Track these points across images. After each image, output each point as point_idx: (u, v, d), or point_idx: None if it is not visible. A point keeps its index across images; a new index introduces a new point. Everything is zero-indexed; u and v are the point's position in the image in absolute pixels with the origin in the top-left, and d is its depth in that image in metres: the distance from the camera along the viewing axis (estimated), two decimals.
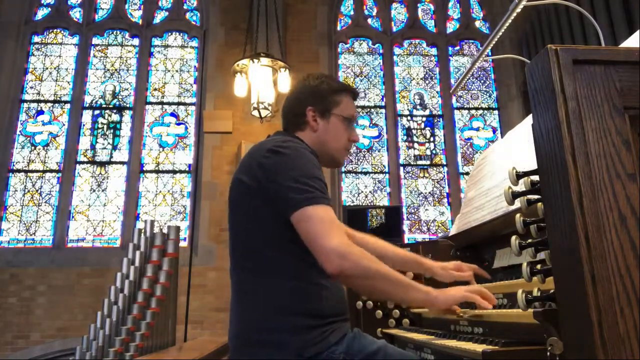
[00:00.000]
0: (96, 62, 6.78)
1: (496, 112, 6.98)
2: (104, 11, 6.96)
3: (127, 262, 3.81)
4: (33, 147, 6.33)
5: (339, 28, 7.13)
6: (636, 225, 0.76)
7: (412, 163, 6.70)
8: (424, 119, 6.90)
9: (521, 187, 1.00)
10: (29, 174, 6.24)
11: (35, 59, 6.69)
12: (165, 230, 4.02)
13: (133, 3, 7.04)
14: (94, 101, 6.61)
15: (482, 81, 7.12)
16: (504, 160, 1.79)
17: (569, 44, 4.96)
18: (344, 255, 1.26)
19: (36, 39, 6.77)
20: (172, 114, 6.64)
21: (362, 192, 6.52)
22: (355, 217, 4.75)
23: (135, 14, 6.99)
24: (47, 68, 6.67)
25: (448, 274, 1.73)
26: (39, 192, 6.17)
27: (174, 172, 6.41)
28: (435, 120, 6.91)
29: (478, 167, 2.10)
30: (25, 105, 6.50)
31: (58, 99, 6.56)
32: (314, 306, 1.35)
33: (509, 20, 3.16)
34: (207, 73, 6.49)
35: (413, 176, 6.65)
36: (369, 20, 7.24)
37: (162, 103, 6.68)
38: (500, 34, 3.34)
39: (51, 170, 6.26)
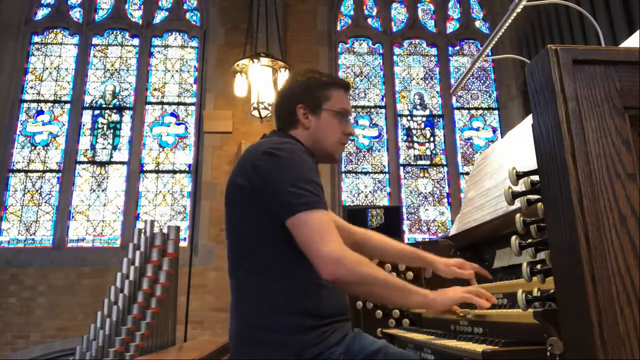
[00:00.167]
0: (96, 62, 6.78)
1: (496, 112, 6.98)
2: (104, 11, 6.96)
3: (127, 262, 3.81)
4: (33, 147, 6.34)
5: (339, 28, 7.13)
6: (636, 225, 0.76)
7: (412, 163, 6.70)
8: (424, 119, 6.90)
9: (521, 187, 1.00)
10: (29, 174, 6.24)
11: (35, 59, 6.69)
12: (165, 230, 4.01)
13: (133, 3, 7.04)
14: (94, 101, 6.62)
15: (482, 81, 7.12)
16: (504, 160, 1.79)
17: (569, 44, 4.96)
18: (339, 262, 1.24)
19: (36, 39, 6.78)
20: (172, 114, 6.64)
21: (362, 192, 6.52)
22: (355, 217, 4.74)
23: (135, 14, 7.00)
24: (47, 68, 6.67)
25: (450, 270, 1.72)
26: (39, 192, 6.17)
27: (174, 172, 6.41)
28: (435, 120, 6.91)
29: (478, 167, 2.10)
30: (25, 105, 6.50)
31: (58, 99, 6.57)
32: (312, 306, 1.34)
33: (509, 20, 3.16)
34: (207, 73, 6.50)
35: (413, 176, 6.65)
36: (369, 20, 7.24)
37: (162, 103, 6.68)
38: (500, 34, 3.34)
39: (51, 170, 6.27)
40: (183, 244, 5.37)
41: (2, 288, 5.58)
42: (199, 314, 5.46)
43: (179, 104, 6.69)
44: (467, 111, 6.99)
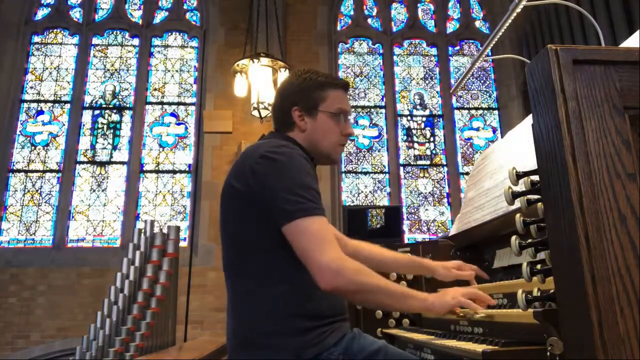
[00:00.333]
0: (96, 62, 6.78)
1: (496, 112, 6.98)
2: (104, 11, 6.96)
3: (127, 262, 3.81)
4: (33, 147, 6.34)
5: (339, 28, 7.13)
6: (636, 225, 0.76)
7: (412, 163, 6.70)
8: (424, 119, 6.90)
9: (521, 187, 1.00)
10: (29, 174, 6.24)
11: (35, 59, 6.69)
12: (165, 230, 4.02)
13: (133, 3, 7.04)
14: (94, 101, 6.62)
15: (482, 81, 7.12)
16: (504, 160, 1.79)
17: (569, 44, 4.96)
18: (337, 272, 1.23)
19: (36, 39, 6.77)
20: (172, 114, 6.64)
21: (362, 192, 6.52)
22: (355, 217, 4.74)
23: (135, 14, 7.00)
24: (47, 68, 6.67)
25: (450, 273, 1.73)
26: (39, 192, 6.17)
27: (174, 172, 6.41)
28: (435, 120, 6.91)
29: (478, 167, 2.10)
30: (25, 105, 6.50)
31: (58, 99, 6.57)
32: (311, 308, 1.34)
33: (509, 20, 3.16)
34: (207, 73, 6.50)
35: (413, 176, 6.65)
36: (369, 20, 7.24)
37: (162, 103, 6.68)
38: (500, 34, 3.34)
39: (51, 170, 6.27)
40: (183, 244, 5.37)
41: (2, 288, 5.58)
42: (199, 314, 5.46)
43: (179, 104, 6.69)
44: (467, 111, 6.99)
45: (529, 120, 1.46)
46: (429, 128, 6.88)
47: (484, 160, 2.05)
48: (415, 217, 6.48)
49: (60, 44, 6.80)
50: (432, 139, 6.84)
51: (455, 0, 7.39)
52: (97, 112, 6.57)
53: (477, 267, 1.78)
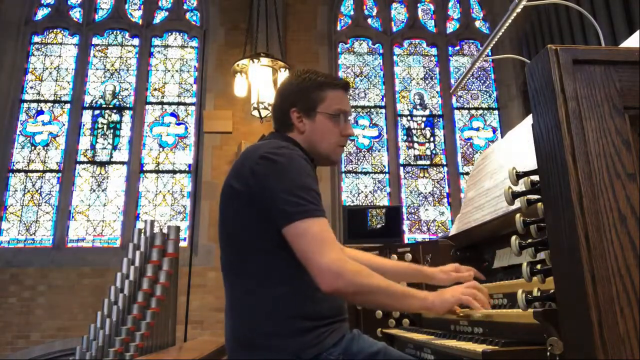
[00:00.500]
0: (96, 62, 6.78)
1: (496, 112, 6.98)
2: (104, 11, 6.96)
3: (127, 262, 3.80)
4: (33, 147, 6.34)
5: (339, 28, 7.13)
6: (636, 225, 0.76)
7: (412, 163, 6.71)
8: (424, 119, 6.91)
9: (521, 187, 1.00)
10: (29, 174, 6.24)
11: (35, 59, 6.69)
12: (165, 230, 4.01)
13: (133, 3, 7.04)
14: (94, 101, 6.62)
15: (482, 81, 7.12)
16: (504, 160, 1.79)
17: (569, 44, 4.96)
18: (338, 274, 1.23)
19: (36, 39, 6.78)
20: (172, 114, 6.64)
21: (362, 192, 6.52)
22: (355, 217, 4.74)
23: (135, 14, 7.00)
24: (47, 68, 6.67)
25: (449, 277, 1.74)
26: (39, 192, 6.17)
27: (174, 172, 6.41)
28: (435, 120, 6.91)
29: (478, 167, 2.10)
30: (25, 105, 6.50)
31: (58, 99, 6.57)
32: (310, 309, 1.33)
33: (509, 20, 3.16)
34: (207, 73, 6.50)
35: (413, 176, 6.65)
36: (369, 20, 7.24)
37: (162, 103, 6.68)
38: (500, 34, 3.34)
39: (51, 170, 6.27)
40: (183, 244, 5.37)
41: (2, 288, 5.58)
42: (199, 314, 5.46)
43: (179, 104, 6.69)
44: (467, 111, 6.99)
45: (529, 120, 1.46)
46: (429, 128, 6.88)
47: (484, 160, 2.05)
48: (415, 217, 6.48)
49: (60, 44, 6.80)
50: (432, 139, 6.84)
51: (455, 0, 7.39)
52: (97, 112, 6.58)
53: (477, 267, 1.79)
